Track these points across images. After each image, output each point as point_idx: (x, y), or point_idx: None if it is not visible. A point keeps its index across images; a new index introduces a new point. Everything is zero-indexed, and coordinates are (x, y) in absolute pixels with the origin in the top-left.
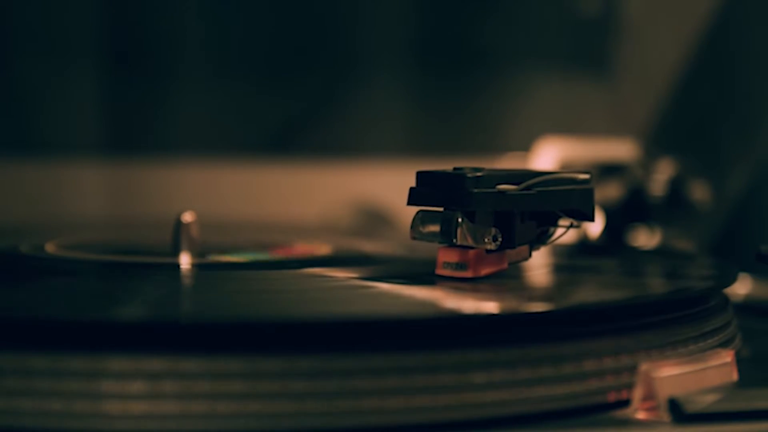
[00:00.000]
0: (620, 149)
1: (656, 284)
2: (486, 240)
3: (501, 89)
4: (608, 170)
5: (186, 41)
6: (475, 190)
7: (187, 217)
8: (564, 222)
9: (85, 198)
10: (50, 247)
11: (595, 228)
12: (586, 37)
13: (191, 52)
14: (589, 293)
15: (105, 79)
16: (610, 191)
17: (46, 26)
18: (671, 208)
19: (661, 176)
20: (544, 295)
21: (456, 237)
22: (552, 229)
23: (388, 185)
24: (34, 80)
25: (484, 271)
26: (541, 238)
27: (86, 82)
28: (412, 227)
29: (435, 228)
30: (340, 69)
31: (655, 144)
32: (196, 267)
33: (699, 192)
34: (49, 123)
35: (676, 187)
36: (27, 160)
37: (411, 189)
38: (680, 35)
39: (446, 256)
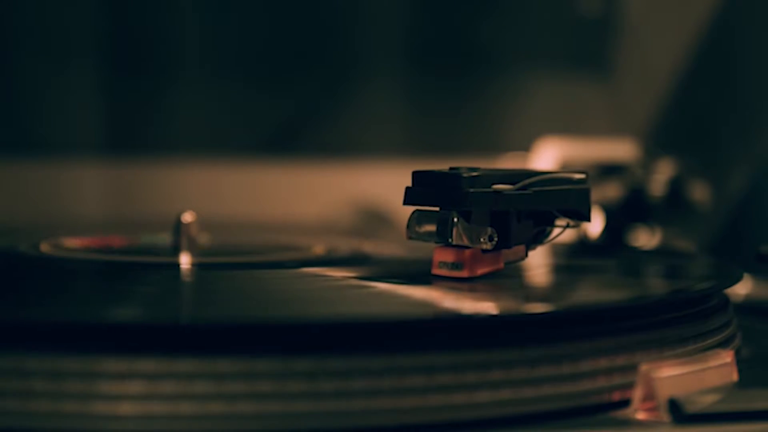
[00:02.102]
0: (620, 149)
1: (656, 284)
2: (482, 240)
3: (501, 89)
4: (608, 170)
5: (185, 41)
6: (471, 190)
7: (187, 217)
8: (560, 222)
9: (85, 198)
10: (49, 247)
11: (595, 228)
12: (586, 37)
13: (191, 53)
14: (588, 293)
15: (105, 79)
16: (610, 191)
17: (46, 26)
18: (671, 208)
19: (661, 176)
20: (544, 296)
21: (452, 237)
22: (549, 228)
23: (388, 185)
24: (34, 80)
25: (480, 270)
26: (537, 238)
27: (86, 82)
28: (408, 227)
29: (431, 228)
30: (339, 69)
31: (655, 144)
32: (196, 267)
33: (699, 192)
34: (49, 123)
35: (676, 187)
36: (27, 160)
37: (407, 189)
38: (680, 35)
39: (442, 255)
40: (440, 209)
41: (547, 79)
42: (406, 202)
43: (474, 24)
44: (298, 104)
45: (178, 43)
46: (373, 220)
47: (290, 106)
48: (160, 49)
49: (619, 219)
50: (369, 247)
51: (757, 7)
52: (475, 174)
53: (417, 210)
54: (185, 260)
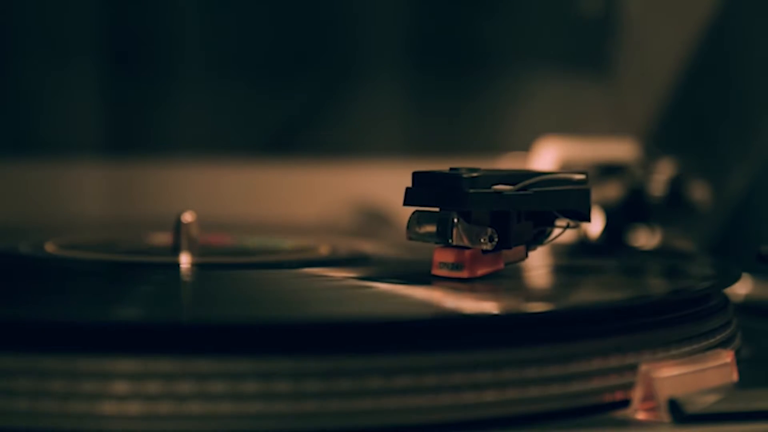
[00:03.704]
0: (620, 149)
1: (656, 284)
2: (482, 240)
3: (501, 89)
4: (608, 170)
5: (186, 41)
6: (471, 191)
7: (187, 217)
8: (561, 222)
9: (85, 198)
10: (50, 247)
11: (595, 228)
12: (586, 37)
13: (191, 52)
14: (589, 293)
15: (105, 79)
16: (610, 191)
17: (46, 26)
18: (671, 208)
19: (661, 176)
20: (544, 296)
21: (452, 237)
22: (549, 229)
23: (388, 185)
24: (33, 80)
25: (480, 271)
26: (537, 239)
27: (86, 82)
28: (408, 228)
29: (431, 228)
30: (339, 69)
31: (655, 144)
32: (196, 267)
33: (699, 192)
34: (49, 123)
35: (676, 187)
36: (27, 160)
37: (407, 189)
38: (680, 35)
39: (442, 256)
40: (440, 210)
41: (547, 79)
42: (406, 203)
43: (474, 24)
44: (297, 104)
45: (178, 43)
46: (373, 220)
47: (290, 106)
48: (160, 49)
49: (619, 219)
50: (369, 247)
51: (757, 8)
52: (475, 175)
53: (417, 210)
54: (185, 260)
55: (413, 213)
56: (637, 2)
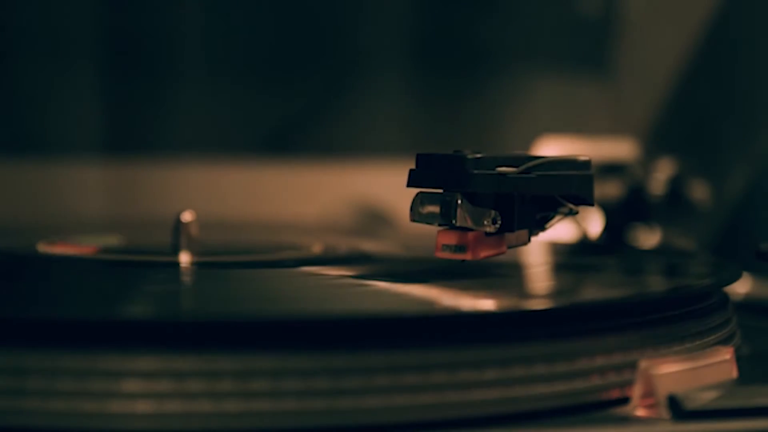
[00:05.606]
0: (620, 149)
1: (656, 282)
2: (485, 222)
3: (501, 89)
4: (608, 169)
5: (186, 41)
6: (475, 172)
7: (187, 216)
8: (564, 208)
9: (85, 198)
10: (49, 247)
11: (595, 227)
12: (586, 37)
13: (191, 52)
14: (589, 291)
15: (105, 79)
16: (610, 190)
17: (46, 26)
18: (671, 208)
19: (661, 176)
20: (544, 293)
21: (455, 218)
22: (552, 214)
23: (388, 185)
24: (34, 80)
25: (483, 253)
26: (540, 223)
27: (86, 82)
28: (411, 209)
29: (434, 209)
30: (339, 69)
31: (655, 144)
32: (196, 266)
33: (699, 191)
34: (49, 123)
35: (676, 186)
36: (27, 160)
37: (410, 171)
38: (680, 35)
39: (445, 238)
40: (444, 191)
41: (547, 79)
42: (409, 184)
43: (474, 24)
44: (297, 104)
45: (179, 43)
46: (373, 219)
47: (290, 106)
48: (160, 49)
49: (619, 218)
50: (368, 246)
51: (757, 8)
52: (479, 156)
53: (421, 192)
54: (185, 259)
55: (417, 194)
56: (637, 2)
